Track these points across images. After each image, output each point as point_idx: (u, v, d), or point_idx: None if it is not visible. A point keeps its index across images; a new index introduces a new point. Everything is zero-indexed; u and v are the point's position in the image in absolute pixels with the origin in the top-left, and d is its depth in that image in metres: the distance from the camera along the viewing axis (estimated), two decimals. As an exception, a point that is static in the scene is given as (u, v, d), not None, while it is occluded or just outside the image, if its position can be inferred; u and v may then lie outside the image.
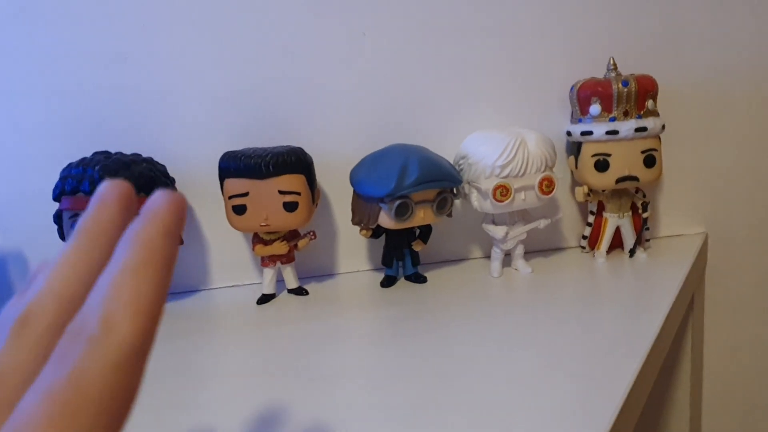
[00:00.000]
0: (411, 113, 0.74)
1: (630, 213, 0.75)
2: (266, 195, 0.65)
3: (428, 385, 0.49)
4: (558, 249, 0.80)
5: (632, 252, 0.75)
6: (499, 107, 0.75)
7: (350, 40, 0.71)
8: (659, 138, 0.72)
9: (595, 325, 0.59)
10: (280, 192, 0.65)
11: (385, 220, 0.66)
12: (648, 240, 0.77)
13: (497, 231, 0.71)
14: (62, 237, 0.64)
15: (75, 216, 0.62)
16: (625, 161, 0.71)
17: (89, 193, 0.61)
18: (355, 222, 0.70)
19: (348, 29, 0.71)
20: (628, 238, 0.75)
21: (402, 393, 0.49)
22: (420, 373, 0.52)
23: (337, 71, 0.72)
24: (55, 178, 0.64)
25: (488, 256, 0.77)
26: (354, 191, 0.69)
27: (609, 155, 0.71)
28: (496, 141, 0.67)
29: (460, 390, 0.48)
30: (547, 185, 0.68)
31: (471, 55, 0.74)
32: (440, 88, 0.74)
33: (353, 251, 0.77)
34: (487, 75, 0.74)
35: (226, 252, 0.75)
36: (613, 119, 0.70)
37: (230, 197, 0.66)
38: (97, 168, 0.61)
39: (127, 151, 0.67)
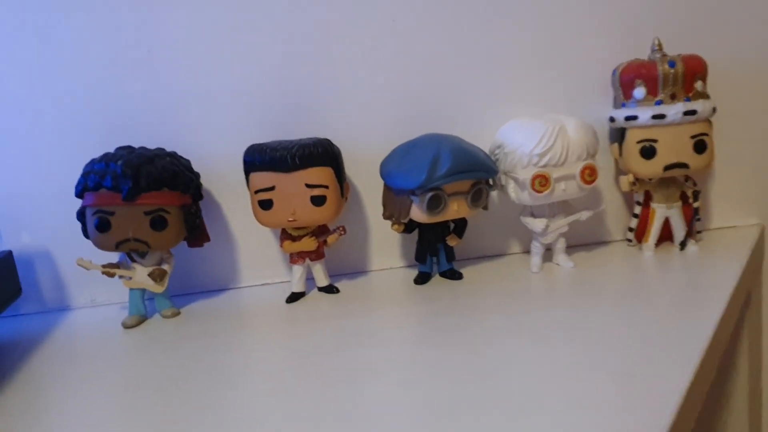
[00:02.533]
0: (443, 101, 0.71)
1: (679, 203, 0.70)
2: (293, 189, 0.63)
3: (465, 386, 0.46)
4: (602, 243, 0.76)
5: (683, 245, 0.70)
6: (536, 93, 0.71)
7: (379, 27, 0.68)
8: (710, 122, 0.67)
9: (645, 324, 0.54)
10: (308, 185, 0.63)
11: (417, 213, 0.63)
12: (699, 232, 0.72)
13: (536, 224, 0.67)
14: (86, 234, 0.63)
15: (99, 212, 0.61)
16: (673, 147, 0.66)
17: (112, 188, 0.60)
18: (386, 216, 0.67)
19: (377, 15, 0.68)
20: (678, 230, 0.71)
21: (437, 394, 0.46)
22: (456, 375, 0.48)
23: (366, 59, 0.69)
24: (78, 174, 0.63)
25: (527, 251, 0.74)
26: (384, 184, 0.66)
27: (656, 141, 0.66)
28: (533, 128, 0.63)
29: (498, 392, 0.45)
30: (589, 174, 0.64)
31: (506, 39, 0.70)
32: (474, 75, 0.70)
33: (385, 247, 0.74)
34: (524, 60, 0.71)
35: (255, 249, 0.73)
36: (659, 103, 0.65)
37: (256, 192, 0.64)
38: (119, 163, 0.60)
39: (151, 145, 0.65)
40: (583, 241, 0.75)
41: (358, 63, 0.69)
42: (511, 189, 0.65)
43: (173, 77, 0.67)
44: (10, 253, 0.64)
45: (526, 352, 0.51)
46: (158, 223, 0.61)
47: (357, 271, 0.75)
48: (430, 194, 0.61)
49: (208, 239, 0.68)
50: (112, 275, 0.64)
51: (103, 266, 0.64)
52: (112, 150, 0.64)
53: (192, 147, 0.67)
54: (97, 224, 0.61)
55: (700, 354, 0.48)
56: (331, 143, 0.65)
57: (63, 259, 0.71)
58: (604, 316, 0.57)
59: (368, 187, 0.71)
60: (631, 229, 0.73)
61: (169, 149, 0.65)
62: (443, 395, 0.45)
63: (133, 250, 0.64)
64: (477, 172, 0.62)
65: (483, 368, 0.49)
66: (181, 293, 0.71)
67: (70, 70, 0.66)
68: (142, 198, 0.60)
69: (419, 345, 0.55)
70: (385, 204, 0.67)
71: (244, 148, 0.65)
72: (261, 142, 0.65)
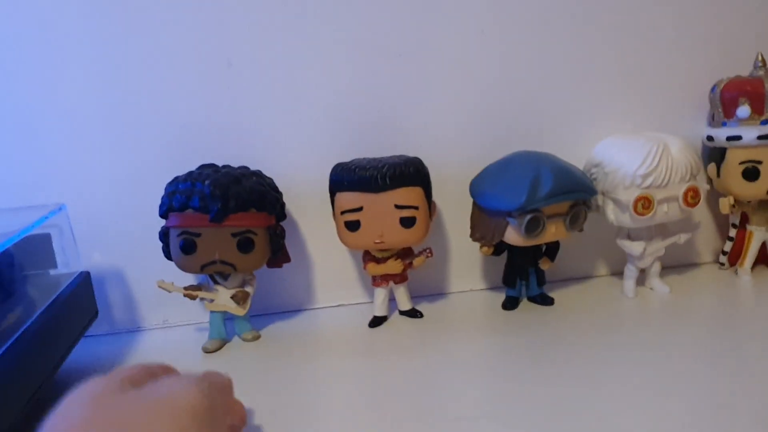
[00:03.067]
0: (533, 118, 0.68)
1: (778, 226, 0.67)
2: (382, 210, 0.60)
3: (565, 424, 0.44)
4: (692, 265, 0.73)
5: (781, 269, 0.68)
6: (627, 110, 0.69)
7: (467, 40, 0.65)
8: (817, 143, 0.64)
9: (754, 356, 0.52)
10: (397, 206, 0.60)
11: (513, 236, 0.60)
12: (797, 256, 0.69)
13: (634, 247, 0.64)
14: (167, 255, 0.60)
15: (184, 233, 0.58)
16: (779, 169, 0.63)
17: (199, 209, 0.57)
18: (475, 238, 0.64)
19: (464, 28, 0.65)
20: (776, 254, 0.68)
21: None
22: (555, 410, 0.46)
23: (453, 73, 0.66)
24: (156, 192, 0.60)
25: (615, 274, 0.71)
26: (475, 204, 0.63)
27: (760, 162, 0.63)
28: (635, 147, 0.61)
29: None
30: (692, 196, 0.61)
31: (597, 54, 0.67)
32: (565, 90, 0.67)
33: (467, 269, 0.71)
34: (616, 75, 0.68)
35: (331, 269, 0.70)
36: (765, 122, 0.63)
37: (343, 212, 0.61)
38: (207, 183, 0.57)
39: (231, 162, 0.63)
40: (673, 263, 0.72)
41: (444, 78, 0.66)
42: (610, 210, 0.63)
43: (254, 92, 0.65)
44: (88, 275, 0.62)
45: (631, 390, 0.48)
46: (245, 245, 0.59)
47: (437, 292, 0.72)
48: (529, 216, 0.58)
49: (288, 260, 0.65)
50: (194, 298, 0.61)
51: (185, 288, 0.61)
52: (191, 168, 0.61)
53: (272, 165, 0.65)
54: (182, 246, 0.58)
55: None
56: (422, 162, 0.62)
57: (134, 278, 0.68)
58: (709, 345, 0.55)
59: (450, 206, 0.68)
60: (725, 252, 0.70)
61: (251, 167, 0.63)
62: None
63: (218, 273, 0.61)
64: (578, 192, 0.59)
65: (581, 405, 0.46)
66: (259, 314, 0.69)
67: (147, 86, 0.64)
68: (230, 219, 0.57)
69: (512, 380, 0.52)
70: (475, 225, 0.64)
71: (324, 166, 0.62)
72: (344, 160, 0.62)
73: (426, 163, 0.63)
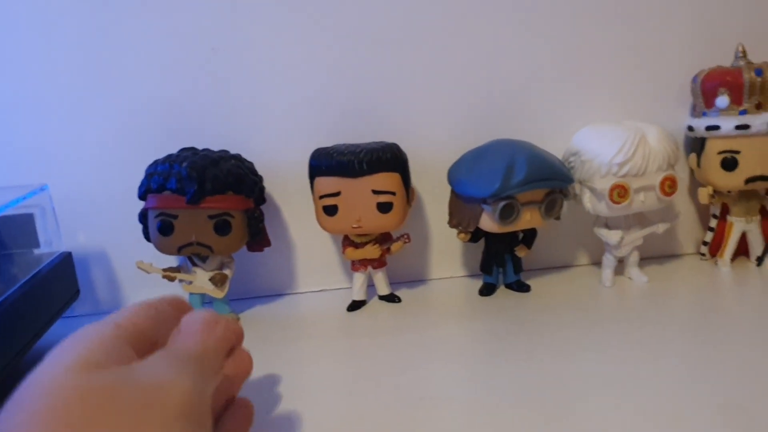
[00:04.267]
0: (514, 106, 0.68)
1: (759, 217, 0.67)
2: (359, 195, 0.61)
3: (536, 409, 0.44)
4: (673, 255, 0.73)
5: (760, 260, 0.67)
6: (610, 99, 0.69)
7: (448, 27, 0.66)
8: (796, 133, 0.64)
9: (730, 344, 0.52)
10: (374, 192, 0.61)
11: (488, 222, 0.61)
12: (778, 247, 0.69)
13: (612, 236, 0.64)
14: (147, 237, 0.61)
15: (161, 215, 0.59)
16: (757, 159, 0.63)
17: (176, 190, 0.58)
18: (452, 225, 0.64)
19: (445, 15, 0.65)
20: (756, 245, 0.68)
21: (505, 419, 0.43)
22: (524, 397, 0.46)
23: (434, 61, 0.66)
24: (137, 175, 0.61)
25: (596, 263, 0.71)
26: (452, 191, 0.64)
27: (738, 152, 0.63)
28: (612, 136, 0.61)
29: (571, 419, 0.43)
30: (669, 185, 0.61)
31: (579, 42, 0.67)
32: (547, 78, 0.67)
33: (447, 256, 0.72)
34: (599, 64, 0.68)
35: (313, 255, 0.71)
36: (743, 112, 0.62)
37: (321, 197, 0.62)
38: (184, 165, 0.58)
39: (213, 147, 0.63)
40: (654, 254, 0.72)
41: (425, 64, 0.66)
42: (587, 199, 0.63)
43: (236, 78, 0.65)
44: (69, 255, 0.63)
45: (603, 376, 0.48)
46: (222, 227, 0.59)
47: (417, 279, 0.72)
48: (503, 203, 0.58)
49: (268, 244, 0.66)
50: (172, 279, 0.62)
51: (164, 270, 0.62)
52: (173, 151, 0.62)
53: (253, 149, 0.65)
54: (159, 227, 0.59)
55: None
56: (399, 148, 0.62)
57: (119, 260, 0.69)
58: (684, 335, 0.55)
59: (430, 192, 0.69)
60: (705, 243, 0.70)
61: (231, 151, 0.63)
62: (511, 422, 0.43)
63: (195, 255, 0.62)
64: (553, 180, 0.60)
65: (553, 389, 0.47)
66: (239, 297, 0.70)
67: (130, 69, 0.64)
68: (207, 201, 0.58)
69: (486, 364, 0.53)
70: (453, 212, 0.64)
71: (306, 152, 0.63)
72: (325, 145, 0.63)
73: (406, 149, 0.64)
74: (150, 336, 0.31)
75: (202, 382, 0.29)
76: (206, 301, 0.65)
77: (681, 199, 0.71)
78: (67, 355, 0.27)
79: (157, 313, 0.33)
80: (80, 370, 0.26)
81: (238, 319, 0.65)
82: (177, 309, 0.34)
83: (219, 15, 0.64)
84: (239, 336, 0.35)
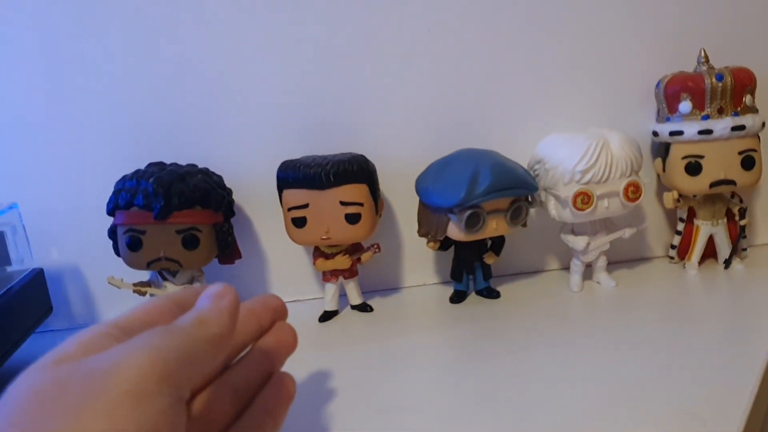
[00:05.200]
0: (481, 115, 0.69)
1: (725, 220, 0.68)
2: (327, 206, 0.61)
3: (504, 416, 0.45)
4: (643, 259, 0.74)
5: (727, 263, 0.68)
6: (576, 106, 0.69)
7: (413, 38, 0.66)
8: (758, 137, 0.65)
9: (692, 349, 0.53)
10: (342, 203, 0.61)
11: (455, 231, 0.61)
12: (745, 249, 0.70)
13: (577, 242, 0.65)
14: (117, 252, 0.62)
15: (130, 231, 0.59)
16: (721, 163, 0.64)
17: (143, 207, 0.58)
18: (421, 234, 0.65)
19: (410, 25, 0.66)
20: (723, 248, 0.68)
21: (477, 424, 0.44)
22: (495, 402, 0.47)
23: (400, 71, 0.67)
24: (109, 191, 0.62)
25: (566, 268, 0.71)
26: (420, 201, 0.64)
27: (702, 157, 0.64)
28: (575, 143, 0.61)
29: (539, 422, 0.43)
30: (633, 191, 0.62)
31: (545, 50, 0.68)
32: (513, 87, 0.68)
33: (419, 264, 0.72)
34: (564, 71, 0.68)
35: (286, 265, 0.71)
36: (706, 117, 0.63)
37: (289, 209, 0.62)
38: (151, 181, 0.58)
39: (183, 161, 0.64)
40: (624, 258, 0.72)
41: (392, 76, 0.67)
42: (552, 206, 0.63)
43: (204, 91, 0.66)
44: (41, 271, 0.63)
45: (570, 380, 0.49)
46: (190, 242, 0.60)
47: (390, 287, 0.73)
48: (468, 212, 0.59)
49: (239, 256, 0.66)
50: (143, 294, 0.63)
51: (134, 285, 0.63)
52: (143, 166, 0.63)
53: (224, 162, 0.66)
54: (128, 243, 0.60)
55: (756, 383, 0.46)
56: (367, 159, 0.63)
57: (93, 275, 0.70)
58: (649, 341, 0.55)
59: (402, 203, 0.69)
60: (673, 246, 0.71)
61: (200, 165, 0.64)
62: (481, 428, 0.44)
63: (164, 269, 0.62)
64: (517, 189, 0.60)
65: (524, 399, 0.47)
66: (212, 310, 0.70)
67: (100, 84, 0.65)
68: (174, 217, 0.59)
69: (457, 371, 0.54)
70: (421, 221, 0.65)
71: (277, 164, 0.63)
72: (294, 157, 0.63)
73: (375, 160, 0.64)
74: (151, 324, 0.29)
75: (178, 352, 0.26)
76: (179, 314, 0.65)
77: (649, 203, 0.72)
78: (50, 354, 0.27)
79: (179, 300, 0.31)
80: (47, 366, 0.25)
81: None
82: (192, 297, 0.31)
83: (185, 29, 0.64)
84: (277, 310, 0.34)
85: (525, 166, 0.64)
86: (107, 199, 0.62)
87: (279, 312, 0.34)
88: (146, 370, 0.24)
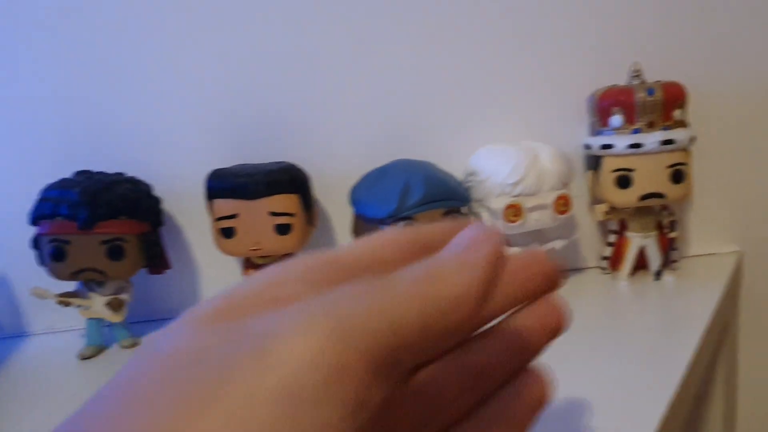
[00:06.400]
0: (417, 125, 0.68)
1: (655, 232, 0.69)
2: (257, 217, 0.61)
3: None
4: (576, 270, 0.74)
5: (658, 275, 0.69)
6: (511, 119, 0.70)
7: (348, 49, 0.66)
8: (688, 151, 0.66)
9: (618, 357, 0.53)
10: (272, 213, 0.60)
11: (387, 243, 0.61)
12: (675, 261, 0.71)
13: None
14: (41, 262, 0.60)
15: (54, 240, 0.58)
16: (650, 177, 0.64)
17: (68, 216, 0.57)
18: (355, 244, 0.64)
19: (346, 36, 0.66)
20: (654, 260, 0.69)
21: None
22: None
23: (336, 81, 0.67)
24: (35, 199, 0.60)
25: (501, 279, 0.72)
26: (354, 212, 0.64)
27: (632, 170, 0.64)
28: (506, 156, 0.62)
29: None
30: (563, 204, 0.62)
31: (480, 64, 0.68)
32: (448, 99, 0.68)
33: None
34: (499, 84, 0.69)
35: (217, 276, 0.70)
36: (636, 131, 0.64)
37: (217, 219, 0.61)
38: (76, 190, 0.57)
39: (112, 168, 0.63)
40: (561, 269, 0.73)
41: (327, 85, 0.67)
42: (485, 218, 0.64)
43: (135, 98, 0.65)
44: (-39, 281, 0.61)
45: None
46: (115, 252, 0.59)
47: (326, 297, 0.72)
48: (400, 224, 0.59)
49: (168, 266, 0.65)
50: (68, 305, 0.61)
51: (59, 295, 0.61)
52: (71, 173, 0.61)
53: (154, 170, 0.65)
54: (52, 253, 0.58)
55: (674, 389, 0.47)
56: (299, 169, 0.63)
57: (20, 284, 0.68)
58: (578, 348, 0.56)
59: (339, 213, 0.69)
60: (605, 258, 0.71)
61: (130, 172, 0.63)
62: None
63: (89, 280, 0.61)
64: (449, 201, 0.60)
65: None
66: (141, 320, 0.69)
67: (25, 89, 0.63)
68: (99, 227, 0.58)
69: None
70: (356, 232, 0.64)
71: (208, 172, 0.62)
72: (226, 166, 0.63)
73: (311, 170, 0.64)
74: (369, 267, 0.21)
75: (389, 325, 0.18)
76: (106, 324, 0.64)
77: (581, 215, 0.73)
78: (208, 303, 0.20)
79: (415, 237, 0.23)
80: (194, 324, 0.19)
81: (139, 343, 0.64)
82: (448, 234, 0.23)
83: (114, 32, 0.63)
84: (549, 278, 0.24)
85: (460, 177, 0.64)
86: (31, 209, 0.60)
87: (550, 281, 0.24)
88: (321, 355, 0.16)
